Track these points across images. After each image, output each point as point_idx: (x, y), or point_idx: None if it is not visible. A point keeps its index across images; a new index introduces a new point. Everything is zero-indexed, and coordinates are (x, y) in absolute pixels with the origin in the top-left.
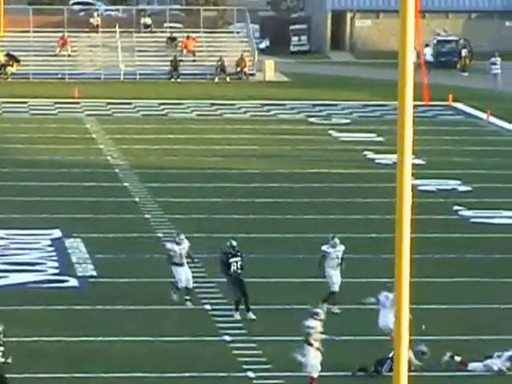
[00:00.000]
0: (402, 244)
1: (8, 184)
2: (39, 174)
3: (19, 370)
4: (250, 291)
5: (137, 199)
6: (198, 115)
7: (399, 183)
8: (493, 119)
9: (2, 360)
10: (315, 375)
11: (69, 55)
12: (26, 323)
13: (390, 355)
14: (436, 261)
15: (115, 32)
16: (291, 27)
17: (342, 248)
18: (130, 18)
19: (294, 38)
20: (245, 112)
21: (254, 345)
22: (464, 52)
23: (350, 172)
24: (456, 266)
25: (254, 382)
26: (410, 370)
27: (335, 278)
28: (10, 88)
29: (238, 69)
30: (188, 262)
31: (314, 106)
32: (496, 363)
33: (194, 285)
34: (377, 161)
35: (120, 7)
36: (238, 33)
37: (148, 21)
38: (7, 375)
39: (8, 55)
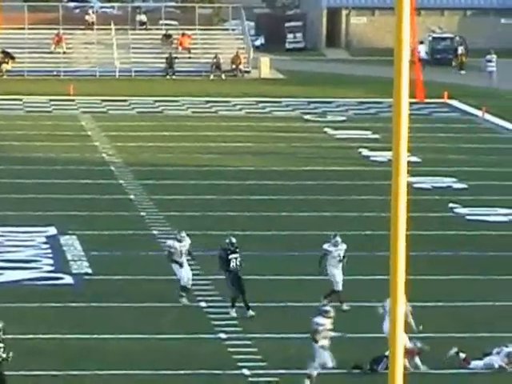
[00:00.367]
0: (397, 241)
1: (3, 181)
2: (34, 171)
3: (15, 367)
4: (246, 289)
5: (132, 196)
6: (194, 112)
7: (394, 181)
8: (488, 116)
9: (4, 356)
10: (314, 373)
11: (64, 52)
12: (21, 320)
13: (386, 353)
14: (431, 258)
15: (110, 29)
16: (286, 24)
17: (343, 247)
18: (125, 15)
19: (290, 36)
20: (240, 109)
21: (249, 342)
22: (460, 50)
23: (346, 169)
24: (451, 264)
25: (250, 379)
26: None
27: (338, 276)
28: (4, 85)
29: (234, 66)
30: (188, 260)
31: (310, 103)
32: (496, 360)
33: (189, 282)
34: (372, 158)
35: (115, 4)
36: (233, 30)
37: (143, 18)
38: (5, 372)
39: (3, 52)
